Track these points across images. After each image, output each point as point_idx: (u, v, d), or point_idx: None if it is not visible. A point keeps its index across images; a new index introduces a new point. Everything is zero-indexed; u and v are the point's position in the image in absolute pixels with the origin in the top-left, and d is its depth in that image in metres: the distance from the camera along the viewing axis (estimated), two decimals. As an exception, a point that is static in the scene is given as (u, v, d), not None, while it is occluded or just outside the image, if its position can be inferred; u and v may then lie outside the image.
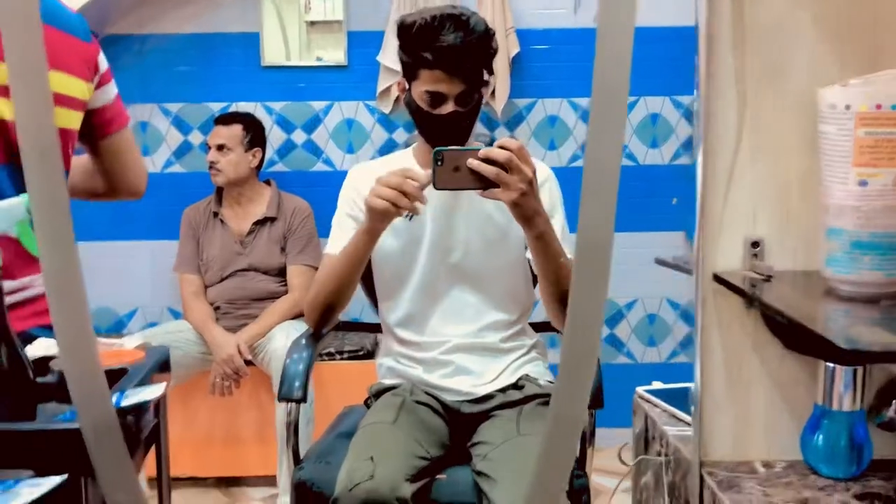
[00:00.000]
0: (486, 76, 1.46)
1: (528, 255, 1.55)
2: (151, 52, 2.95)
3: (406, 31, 1.42)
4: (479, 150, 1.19)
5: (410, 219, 1.53)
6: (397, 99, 2.91)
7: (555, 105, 3.01)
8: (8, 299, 0.83)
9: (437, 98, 1.42)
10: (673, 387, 1.44)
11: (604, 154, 0.67)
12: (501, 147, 1.19)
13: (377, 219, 1.34)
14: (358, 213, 1.54)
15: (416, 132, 1.55)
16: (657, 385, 1.43)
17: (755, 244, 1.14)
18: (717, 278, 1.12)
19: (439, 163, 1.20)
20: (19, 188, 1.04)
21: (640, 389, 1.47)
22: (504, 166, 1.19)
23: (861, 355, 0.82)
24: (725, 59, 1.12)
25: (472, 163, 1.18)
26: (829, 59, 1.11)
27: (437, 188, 1.21)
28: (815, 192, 1.07)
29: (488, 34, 1.43)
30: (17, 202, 1.03)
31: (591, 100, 0.66)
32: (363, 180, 1.54)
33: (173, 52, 2.94)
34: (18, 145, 0.53)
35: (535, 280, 1.62)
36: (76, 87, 1.14)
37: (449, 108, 1.42)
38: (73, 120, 1.15)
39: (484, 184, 1.20)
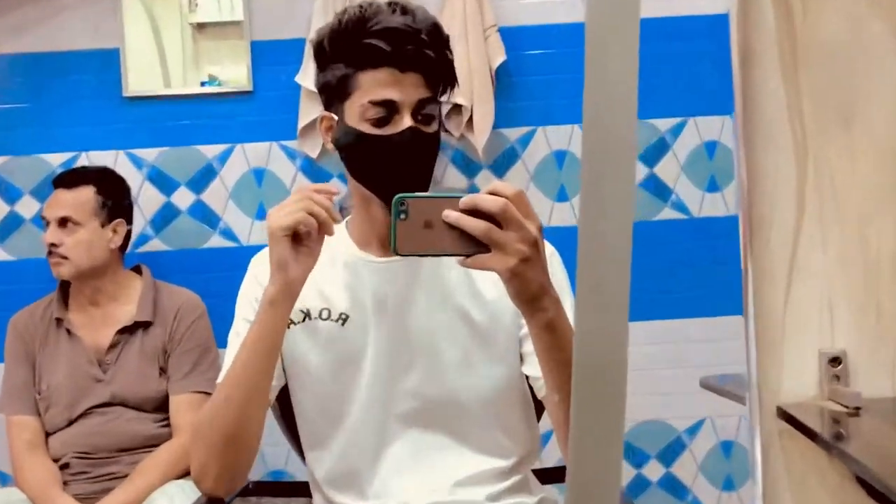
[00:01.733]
0: (446, 93, 1.54)
1: (526, 368, 1.58)
2: (-42, 83, 2.98)
3: (332, 36, 1.51)
4: (459, 197, 1.21)
5: (343, 323, 1.56)
6: (329, 136, 2.99)
7: (562, 135, 3.07)
8: None
9: (386, 111, 1.48)
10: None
11: (605, 221, 0.73)
12: (492, 193, 1.21)
13: (283, 260, 1.39)
14: None
15: (350, 199, 1.60)
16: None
17: (835, 360, 1.15)
18: (783, 413, 1.14)
19: (402, 216, 1.21)
20: None
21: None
22: (497, 220, 1.21)
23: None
24: (775, 93, 1.15)
25: (451, 216, 1.20)
26: None
27: (398, 253, 1.22)
28: None
29: (441, 31, 1.52)
30: None
31: (582, 137, 0.71)
32: (268, 270, 1.55)
33: (-9, 83, 2.97)
34: None
35: (538, 406, 1.65)
36: None
37: (404, 122, 1.48)
38: None
39: (467, 247, 1.22)
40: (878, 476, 0.96)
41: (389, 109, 1.48)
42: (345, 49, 1.50)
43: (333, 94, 1.54)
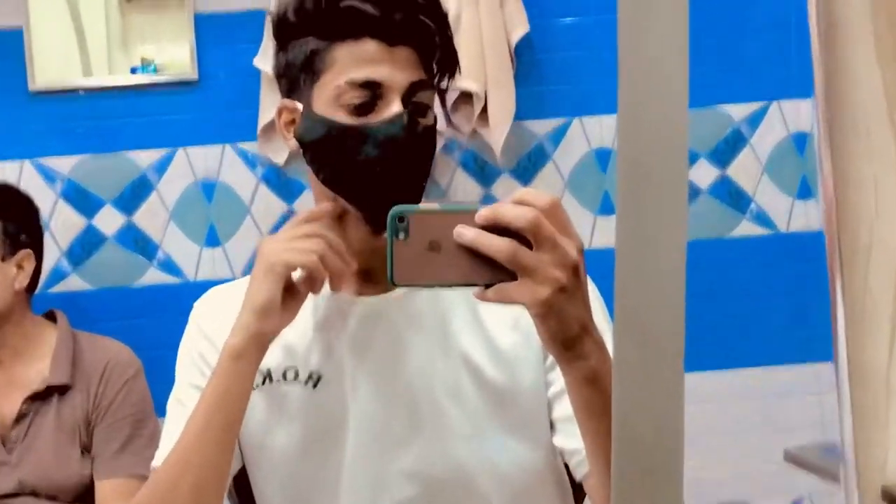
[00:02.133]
0: (445, 80, 1.52)
1: (559, 439, 1.52)
2: None
3: (298, 2, 1.46)
4: (476, 210, 1.15)
5: (315, 385, 1.52)
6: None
7: (606, 128, 2.99)
8: None
9: (368, 95, 1.43)
10: None
11: (648, 242, 0.70)
12: (519, 203, 1.15)
13: (270, 304, 1.37)
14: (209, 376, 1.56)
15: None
16: None
17: None
18: (889, 497, 1.01)
19: (401, 235, 1.15)
20: None
21: None
22: (526, 239, 1.13)
23: None
24: (867, 77, 1.01)
25: (465, 234, 1.14)
26: None
27: (395, 283, 1.16)
28: None
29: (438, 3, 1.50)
30: None
31: (617, 141, 0.71)
32: (217, 319, 1.55)
33: None
34: None
35: (577, 492, 1.60)
36: None
37: (392, 109, 1.43)
38: None
39: (486, 275, 1.15)
40: None
41: (373, 93, 1.43)
42: (316, 16, 1.45)
43: (298, 76, 1.48)
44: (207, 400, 1.44)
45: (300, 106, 1.50)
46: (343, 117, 1.45)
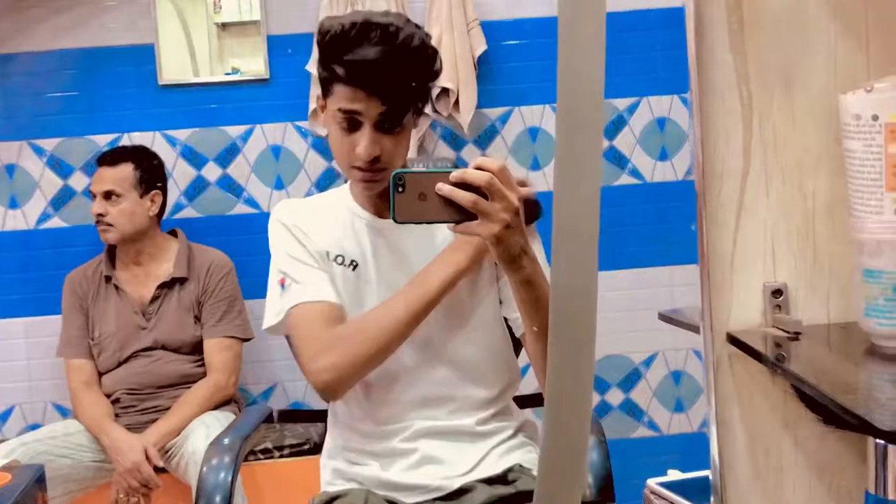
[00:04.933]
0: (419, 104, 1.51)
1: (505, 311, 1.58)
2: (16, 76, 2.98)
3: (321, 38, 1.47)
4: (450, 172, 1.20)
5: (354, 268, 1.55)
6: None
7: (535, 113, 3.07)
8: None
9: (351, 120, 1.45)
10: (693, 476, 1.44)
11: (576, 184, 0.72)
12: (479, 168, 1.20)
13: None
14: (304, 243, 1.55)
15: None
16: (673, 475, 1.44)
17: (777, 292, 1.14)
18: (733, 339, 1.12)
19: (400, 189, 1.20)
20: None
21: (652, 483, 1.47)
22: (483, 192, 1.19)
23: (909, 435, 0.82)
24: (723, 58, 1.13)
25: (443, 188, 1.19)
26: (853, 57, 1.13)
27: (397, 221, 1.22)
28: (848, 224, 1.07)
29: (424, 50, 1.47)
30: None
31: (556, 115, 0.71)
32: (294, 217, 1.57)
33: (44, 75, 2.97)
34: None
35: (516, 343, 1.63)
36: None
37: (365, 132, 1.45)
38: None
39: (457, 215, 1.21)
40: (816, 387, 0.95)
41: (354, 120, 1.46)
42: (328, 60, 1.46)
43: (323, 85, 1.52)
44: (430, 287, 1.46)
45: (325, 105, 1.52)
46: (337, 130, 1.48)
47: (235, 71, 3.05)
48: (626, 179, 3.10)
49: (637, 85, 3.05)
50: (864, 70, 1.13)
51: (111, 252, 2.77)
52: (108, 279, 2.72)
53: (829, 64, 1.14)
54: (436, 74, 1.51)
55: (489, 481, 1.52)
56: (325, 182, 3.03)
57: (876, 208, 1.01)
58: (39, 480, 0.94)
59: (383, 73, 1.42)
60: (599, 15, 0.72)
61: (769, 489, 1.16)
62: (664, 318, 2.08)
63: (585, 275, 0.74)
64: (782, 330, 1.12)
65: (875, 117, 1.00)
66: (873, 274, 1.02)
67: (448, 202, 1.20)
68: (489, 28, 2.98)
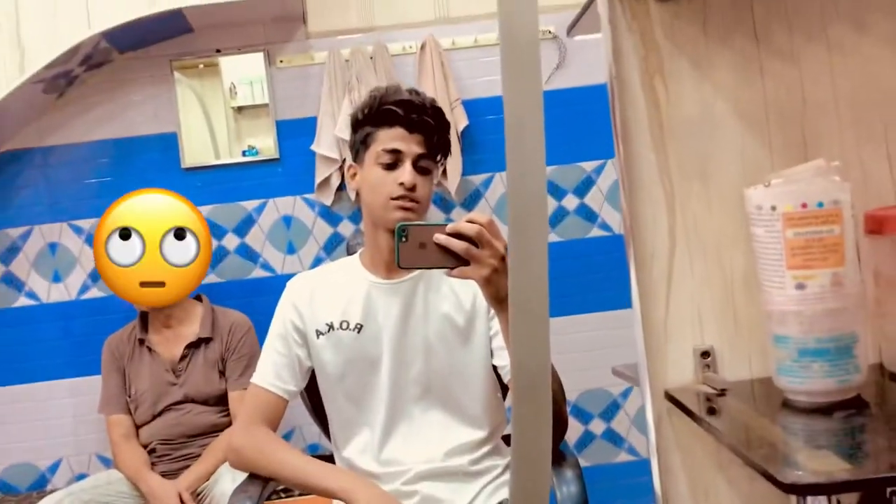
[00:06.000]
0: (442, 154, 1.58)
1: (496, 360, 1.59)
2: (57, 166, 3.00)
3: (363, 107, 1.56)
4: (446, 225, 1.24)
5: (359, 330, 1.56)
6: (339, 189, 3.00)
7: None
8: None
9: (393, 158, 1.51)
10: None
11: (528, 267, 0.73)
12: (470, 221, 1.25)
13: None
14: (292, 332, 1.58)
15: (359, 236, 1.63)
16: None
17: (705, 354, 1.17)
18: (670, 396, 1.15)
19: (403, 239, 1.24)
20: None
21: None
22: (474, 241, 1.23)
23: (806, 488, 0.86)
24: (648, 156, 1.18)
25: (440, 238, 1.23)
26: (758, 152, 1.17)
27: (400, 266, 1.26)
28: (758, 297, 1.10)
29: (441, 111, 1.57)
30: None
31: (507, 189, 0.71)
32: (302, 295, 1.60)
33: (81, 163, 3.01)
34: None
35: (504, 389, 1.66)
36: None
37: (406, 169, 1.51)
38: None
39: (452, 261, 1.24)
40: (735, 447, 0.98)
41: (396, 157, 1.51)
42: (370, 114, 1.53)
43: (359, 148, 1.57)
44: (315, 472, 1.51)
45: (360, 166, 1.57)
46: (378, 171, 1.52)
47: (252, 149, 3.07)
48: (596, 232, 3.11)
49: (602, 149, 3.07)
50: (768, 161, 1.18)
51: (143, 317, 2.78)
52: (141, 342, 2.73)
53: (738, 158, 1.18)
54: (448, 129, 1.60)
55: (480, 518, 1.51)
56: (331, 245, 3.05)
57: (779, 284, 1.04)
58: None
59: (420, 111, 1.51)
60: (537, 101, 0.72)
61: (710, 526, 1.16)
62: (617, 373, 2.07)
63: (539, 351, 0.75)
64: (711, 387, 1.15)
65: (773, 208, 1.03)
66: (781, 339, 1.05)
67: (444, 250, 1.23)
68: (470, 105, 3.01)
